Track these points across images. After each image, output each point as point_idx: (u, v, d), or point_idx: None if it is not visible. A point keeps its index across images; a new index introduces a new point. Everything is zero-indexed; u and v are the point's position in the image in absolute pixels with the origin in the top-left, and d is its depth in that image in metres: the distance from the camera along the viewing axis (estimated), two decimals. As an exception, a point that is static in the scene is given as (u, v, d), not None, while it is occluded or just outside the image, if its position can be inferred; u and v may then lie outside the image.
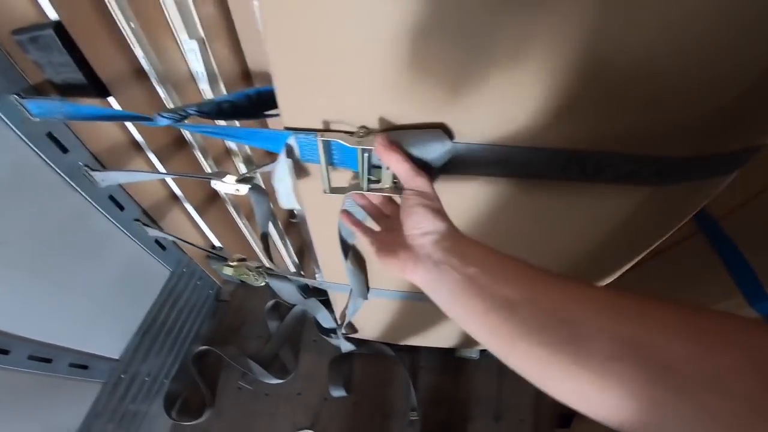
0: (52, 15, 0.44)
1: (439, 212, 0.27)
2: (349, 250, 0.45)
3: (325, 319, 0.92)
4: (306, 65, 0.28)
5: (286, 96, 0.31)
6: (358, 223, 0.35)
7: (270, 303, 1.03)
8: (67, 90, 0.49)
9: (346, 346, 0.89)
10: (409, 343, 0.89)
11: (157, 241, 0.78)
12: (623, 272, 0.85)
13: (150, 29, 0.46)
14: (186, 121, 0.39)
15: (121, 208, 0.66)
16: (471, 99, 0.28)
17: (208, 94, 0.54)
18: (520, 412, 0.87)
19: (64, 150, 0.54)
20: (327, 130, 0.32)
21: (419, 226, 0.26)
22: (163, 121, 0.39)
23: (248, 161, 0.65)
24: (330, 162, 0.34)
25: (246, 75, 0.55)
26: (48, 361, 0.60)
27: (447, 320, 0.71)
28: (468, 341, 0.84)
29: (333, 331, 0.94)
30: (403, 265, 0.27)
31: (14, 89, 0.47)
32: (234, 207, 0.75)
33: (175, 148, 0.63)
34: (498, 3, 0.22)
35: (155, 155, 0.60)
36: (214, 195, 0.78)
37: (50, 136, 0.52)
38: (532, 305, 0.20)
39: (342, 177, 0.36)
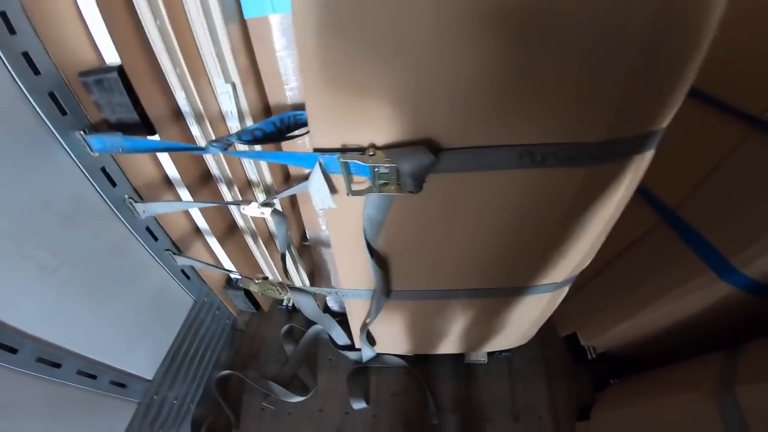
0: (113, 60, 0.54)
1: None
2: (374, 251, 0.55)
3: (340, 336, 0.99)
4: (332, 109, 0.40)
5: (316, 126, 0.43)
6: None
7: (285, 328, 1.10)
8: (119, 128, 0.59)
9: (368, 353, 0.96)
10: (420, 353, 0.96)
11: (182, 271, 0.87)
12: (600, 269, 0.94)
13: (191, 75, 0.56)
14: (228, 149, 0.50)
15: (156, 238, 0.76)
16: (446, 119, 0.39)
17: (236, 128, 0.64)
18: (537, 409, 0.93)
19: (114, 184, 0.65)
20: (345, 150, 0.43)
21: None
22: (214, 150, 0.50)
23: (267, 191, 0.75)
24: (349, 173, 0.45)
25: (267, 110, 0.66)
26: (93, 377, 0.68)
27: (457, 325, 0.80)
28: (475, 345, 0.91)
29: (348, 347, 1.01)
30: None
31: (79, 126, 0.58)
32: (252, 236, 0.85)
33: (203, 181, 0.74)
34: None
35: (187, 188, 0.70)
36: (233, 226, 0.88)
37: (103, 170, 0.63)
38: None
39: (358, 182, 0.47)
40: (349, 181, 0.45)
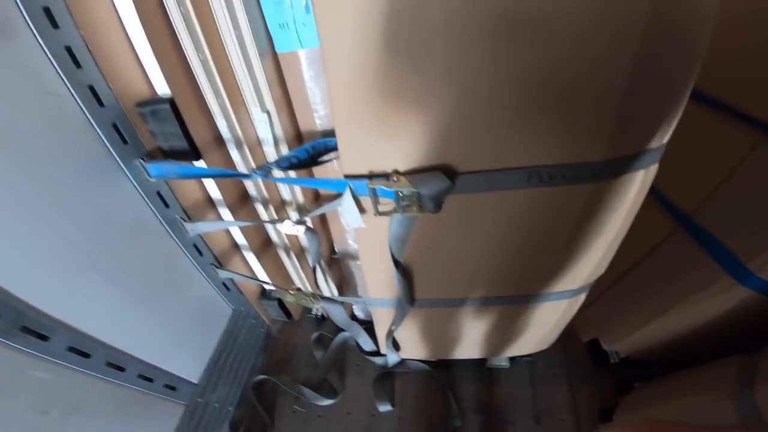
0: (164, 92, 0.61)
1: None
2: (398, 264, 0.61)
3: (366, 343, 1.05)
4: (359, 141, 0.48)
5: (346, 156, 0.50)
6: None
7: (314, 335, 1.17)
8: (171, 154, 0.66)
9: (393, 358, 1.01)
10: (443, 358, 1.01)
11: (223, 283, 0.95)
12: (620, 275, 0.96)
13: (231, 105, 0.63)
14: (268, 176, 0.57)
15: (201, 253, 0.84)
16: (462, 147, 0.45)
17: (270, 155, 0.72)
18: (559, 412, 0.96)
19: (167, 205, 0.73)
20: (372, 176, 0.50)
21: None
22: (257, 176, 0.57)
23: (300, 209, 0.83)
24: (376, 197, 0.51)
25: (299, 136, 0.73)
26: (150, 380, 0.76)
27: (477, 331, 0.84)
28: (496, 350, 0.95)
29: (374, 353, 1.06)
30: None
31: (138, 154, 0.65)
32: (285, 250, 0.93)
33: (242, 202, 0.82)
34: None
35: (228, 208, 0.78)
36: (268, 242, 0.96)
37: (158, 193, 0.71)
38: None
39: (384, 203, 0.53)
40: (376, 203, 0.51)
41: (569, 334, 1.01)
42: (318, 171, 0.73)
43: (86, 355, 0.62)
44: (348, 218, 0.54)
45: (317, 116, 0.68)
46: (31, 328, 0.54)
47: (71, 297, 0.61)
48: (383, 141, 0.47)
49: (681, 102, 0.45)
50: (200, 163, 0.68)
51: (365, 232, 0.59)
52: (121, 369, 0.69)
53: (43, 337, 0.56)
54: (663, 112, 0.45)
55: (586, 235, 0.57)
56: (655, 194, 0.89)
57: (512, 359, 1.05)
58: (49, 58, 0.52)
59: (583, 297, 0.77)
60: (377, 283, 0.72)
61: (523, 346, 0.93)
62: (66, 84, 0.55)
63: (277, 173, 0.68)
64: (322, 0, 0.38)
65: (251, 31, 0.57)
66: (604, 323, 1.02)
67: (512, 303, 0.74)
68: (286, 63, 0.64)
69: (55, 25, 0.52)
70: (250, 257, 0.93)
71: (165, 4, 0.53)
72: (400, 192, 0.49)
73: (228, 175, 0.61)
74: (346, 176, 0.51)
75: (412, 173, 0.48)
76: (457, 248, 0.60)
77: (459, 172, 0.48)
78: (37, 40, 0.51)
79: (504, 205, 0.52)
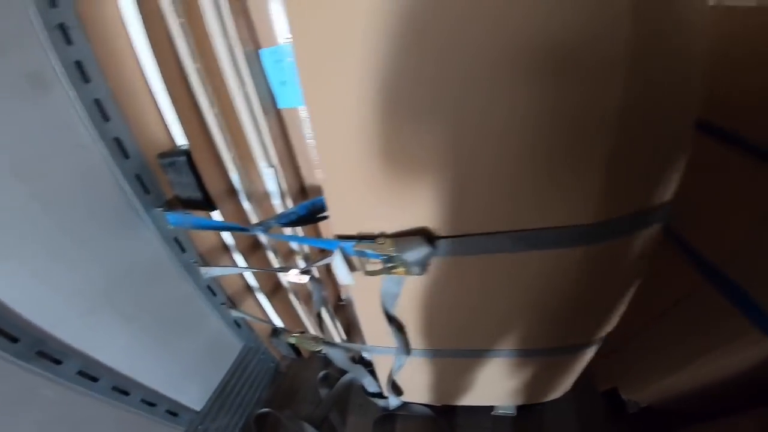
0: (183, 143, 0.67)
1: None
2: (392, 317, 0.64)
3: (371, 384, 1.06)
4: (347, 207, 0.52)
5: (335, 218, 0.54)
6: None
7: (322, 373, 1.19)
8: (188, 204, 0.72)
9: (394, 402, 1.02)
10: (447, 403, 1.00)
11: (235, 321, 1.01)
12: (644, 324, 0.93)
13: (241, 158, 0.69)
14: (269, 231, 0.62)
15: (215, 294, 0.90)
16: (443, 212, 0.48)
17: (278, 206, 0.78)
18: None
19: (183, 250, 0.80)
20: (361, 238, 0.54)
21: None
22: (257, 231, 0.62)
23: (306, 258, 0.88)
24: (364, 256, 0.55)
25: (303, 190, 0.79)
26: (153, 405, 0.80)
27: (483, 378, 0.84)
28: (501, 399, 0.93)
29: (378, 394, 1.07)
30: None
31: (158, 203, 0.71)
32: (294, 294, 0.97)
33: (253, 248, 0.88)
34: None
35: (241, 254, 0.84)
36: (279, 285, 1.01)
37: (176, 239, 0.78)
38: None
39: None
40: (364, 263, 0.55)
41: (584, 384, 0.99)
42: (323, 225, 0.78)
43: (94, 379, 0.67)
44: (339, 275, 0.58)
45: (319, 171, 0.73)
46: (47, 353, 0.59)
47: (87, 330, 0.66)
48: (369, 204, 0.50)
49: (679, 152, 0.44)
50: (216, 213, 0.74)
51: (358, 287, 0.62)
52: (126, 393, 0.73)
53: (57, 361, 0.60)
54: (658, 169, 0.44)
55: (585, 297, 0.57)
56: (679, 243, 0.87)
57: (520, 407, 1.03)
58: (80, 111, 0.58)
59: (593, 350, 0.75)
60: (373, 333, 0.74)
61: (531, 395, 0.91)
62: (95, 136, 0.60)
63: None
64: (306, 68, 0.41)
65: (254, 87, 0.62)
66: (625, 372, 1.00)
67: (513, 356, 0.74)
68: (289, 119, 0.69)
69: (86, 79, 0.58)
70: (262, 298, 0.99)
71: (182, 61, 0.59)
72: (385, 254, 0.52)
73: (232, 229, 0.67)
74: (336, 237, 0.55)
75: (398, 236, 0.52)
76: (449, 305, 0.62)
77: (442, 236, 0.50)
78: (70, 93, 0.56)
79: (491, 268, 0.54)
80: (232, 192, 0.75)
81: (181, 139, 0.69)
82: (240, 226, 0.65)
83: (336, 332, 1.05)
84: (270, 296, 0.97)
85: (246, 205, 0.76)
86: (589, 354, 0.76)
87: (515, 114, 0.39)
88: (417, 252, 0.50)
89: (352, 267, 0.58)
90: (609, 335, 0.70)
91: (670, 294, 0.89)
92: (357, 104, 0.42)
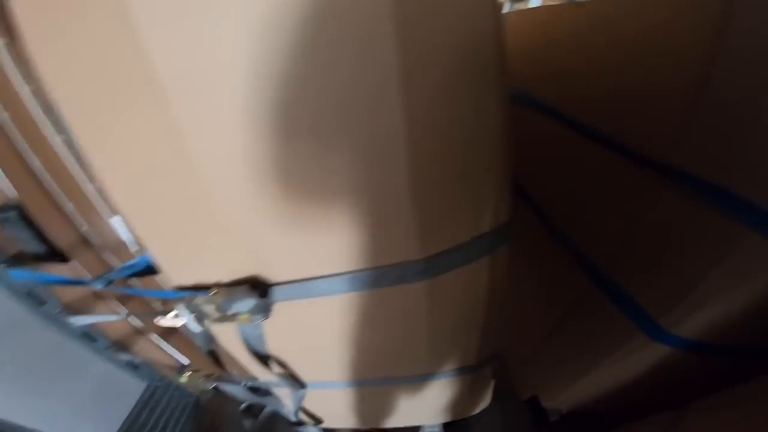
0: (13, 197, 0.60)
1: None
2: (265, 358, 0.59)
3: (290, 413, 1.01)
4: (169, 257, 0.47)
5: (165, 270, 0.48)
6: None
7: (244, 404, 1.12)
8: (38, 258, 0.65)
9: (314, 431, 0.97)
10: (372, 427, 0.96)
11: (130, 361, 0.93)
12: (550, 331, 0.93)
13: (83, 209, 0.64)
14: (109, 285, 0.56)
15: (94, 340, 0.82)
16: (271, 259, 0.44)
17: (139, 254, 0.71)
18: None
19: (42, 302, 0.73)
20: (198, 288, 0.48)
21: None
22: (95, 284, 0.56)
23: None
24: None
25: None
26: None
27: (394, 402, 0.81)
28: (419, 419, 0.91)
29: (302, 423, 1.02)
30: None
31: (1, 258, 0.64)
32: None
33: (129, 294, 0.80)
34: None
35: (118, 300, 0.77)
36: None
37: (30, 293, 0.71)
38: None
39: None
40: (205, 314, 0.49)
41: (509, 394, 0.98)
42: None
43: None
44: (188, 326, 0.53)
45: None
46: None
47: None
48: (192, 257, 0.45)
49: (489, 174, 0.41)
50: (74, 264, 0.67)
51: (219, 332, 0.57)
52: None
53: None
54: (474, 199, 0.42)
55: (443, 325, 0.55)
56: (571, 248, 0.87)
57: (447, 424, 1.01)
58: None
59: (487, 369, 0.74)
60: (258, 371, 0.69)
61: (452, 413, 0.89)
62: None
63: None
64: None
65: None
66: (541, 380, 0.99)
67: (409, 383, 0.71)
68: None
69: None
70: (157, 339, 0.91)
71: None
72: (218, 305, 0.47)
73: (67, 283, 0.60)
74: (175, 288, 0.50)
75: (233, 285, 0.47)
76: (316, 342, 0.58)
77: (273, 284, 0.46)
78: None
79: (334, 308, 0.50)
80: (86, 242, 0.68)
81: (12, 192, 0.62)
82: (74, 280, 0.58)
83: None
84: (166, 336, 0.90)
85: (106, 254, 0.69)
86: (487, 372, 0.74)
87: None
88: (246, 303, 0.45)
89: (203, 315, 0.52)
90: (517, 346, 0.68)
91: (565, 299, 0.89)
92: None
